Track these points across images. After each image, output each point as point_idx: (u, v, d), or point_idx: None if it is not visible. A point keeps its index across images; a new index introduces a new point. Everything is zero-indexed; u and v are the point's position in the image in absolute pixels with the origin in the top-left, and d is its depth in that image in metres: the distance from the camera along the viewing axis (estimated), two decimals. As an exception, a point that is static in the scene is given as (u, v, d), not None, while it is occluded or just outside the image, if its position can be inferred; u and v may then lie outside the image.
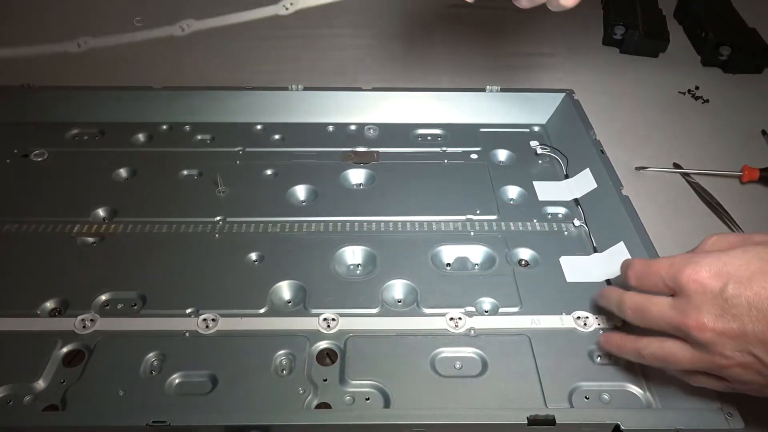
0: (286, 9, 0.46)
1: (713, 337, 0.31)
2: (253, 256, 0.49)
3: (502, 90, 0.64)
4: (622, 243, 0.48)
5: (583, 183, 0.55)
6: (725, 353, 0.31)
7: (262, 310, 0.44)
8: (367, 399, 0.39)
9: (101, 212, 0.53)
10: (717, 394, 0.36)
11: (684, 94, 0.75)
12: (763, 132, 0.68)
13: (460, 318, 0.43)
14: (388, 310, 0.45)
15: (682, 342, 0.33)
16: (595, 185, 0.54)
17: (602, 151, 0.56)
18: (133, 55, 0.80)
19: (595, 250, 0.50)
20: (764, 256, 0.30)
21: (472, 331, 0.43)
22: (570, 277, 0.47)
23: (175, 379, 0.40)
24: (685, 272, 0.32)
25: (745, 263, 0.30)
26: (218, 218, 0.52)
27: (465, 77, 0.77)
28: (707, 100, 0.74)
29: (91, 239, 0.50)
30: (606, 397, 0.39)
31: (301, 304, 0.45)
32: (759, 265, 0.30)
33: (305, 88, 0.64)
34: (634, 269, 0.36)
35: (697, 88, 0.76)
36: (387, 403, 0.38)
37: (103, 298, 0.45)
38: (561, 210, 0.54)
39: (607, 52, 0.83)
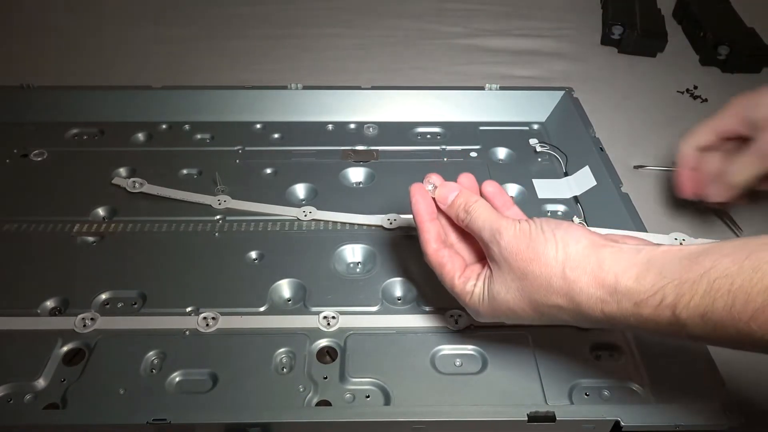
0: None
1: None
2: (253, 254, 0.49)
3: (502, 88, 0.65)
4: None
5: (582, 181, 0.55)
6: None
7: (262, 309, 0.44)
8: (368, 396, 0.39)
9: (101, 211, 0.53)
10: (717, 391, 0.36)
11: (682, 93, 0.75)
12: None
13: (460, 315, 0.43)
14: (388, 307, 0.45)
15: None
16: (595, 183, 0.54)
17: (601, 149, 0.56)
18: (132, 55, 0.81)
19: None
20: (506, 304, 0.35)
21: (472, 328, 0.43)
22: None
23: (176, 377, 0.40)
24: (473, 316, 0.37)
25: (492, 308, 0.35)
26: (218, 217, 0.52)
27: (464, 75, 0.77)
28: (705, 100, 0.74)
29: (91, 238, 0.50)
30: (606, 393, 0.39)
31: (301, 302, 0.45)
32: (499, 304, 0.35)
33: (305, 87, 0.64)
34: (430, 262, 0.38)
35: (695, 87, 0.76)
36: (387, 401, 0.38)
37: (104, 296, 0.45)
38: (561, 207, 0.54)
39: (605, 51, 0.83)
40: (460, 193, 0.38)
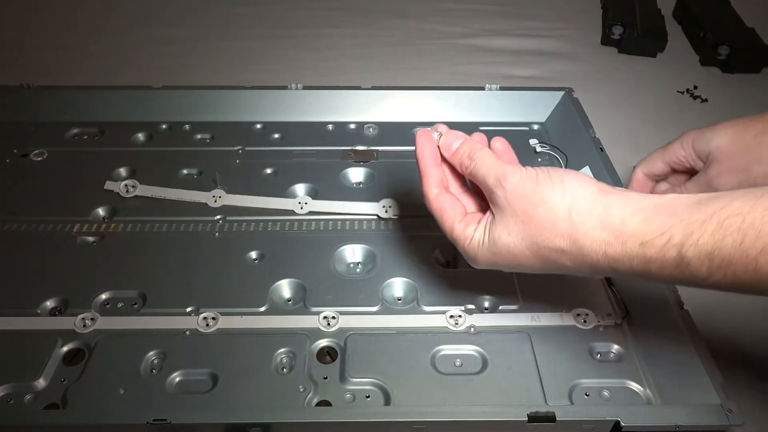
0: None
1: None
2: (253, 254, 0.49)
3: (502, 88, 0.65)
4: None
5: (582, 181, 0.55)
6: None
7: (262, 309, 0.44)
8: (368, 397, 0.39)
9: (101, 211, 0.53)
10: (717, 391, 0.36)
11: (683, 93, 0.75)
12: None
13: (460, 315, 0.43)
14: (388, 308, 0.45)
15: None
16: (595, 183, 0.54)
17: (602, 149, 0.56)
18: (132, 55, 0.81)
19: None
20: (504, 251, 0.34)
21: (472, 329, 0.43)
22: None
23: (176, 377, 0.40)
24: (470, 262, 0.37)
25: (491, 253, 0.35)
26: (218, 217, 0.52)
27: (464, 75, 0.77)
28: (705, 100, 0.74)
29: (91, 238, 0.50)
30: (606, 393, 0.39)
31: (301, 303, 0.45)
32: (501, 250, 0.34)
33: (305, 87, 0.64)
34: (431, 207, 0.37)
35: (695, 87, 0.76)
36: (387, 401, 0.38)
37: (104, 297, 0.45)
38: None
39: (605, 51, 0.83)
40: (465, 141, 0.38)
